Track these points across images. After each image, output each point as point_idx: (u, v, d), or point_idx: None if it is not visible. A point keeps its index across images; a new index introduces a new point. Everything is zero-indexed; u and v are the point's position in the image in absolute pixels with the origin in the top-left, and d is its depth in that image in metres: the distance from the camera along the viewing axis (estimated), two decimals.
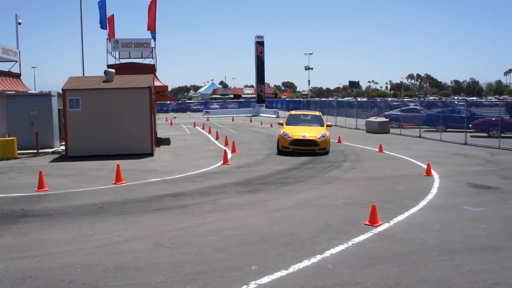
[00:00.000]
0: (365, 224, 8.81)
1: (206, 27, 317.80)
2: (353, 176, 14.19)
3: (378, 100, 47.41)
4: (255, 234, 8.24)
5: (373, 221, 8.79)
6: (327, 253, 7.22)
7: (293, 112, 23.61)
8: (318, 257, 7.06)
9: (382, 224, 8.79)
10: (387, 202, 10.71)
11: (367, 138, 26.51)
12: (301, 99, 64.97)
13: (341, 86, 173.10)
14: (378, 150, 19.99)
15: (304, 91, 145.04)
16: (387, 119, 30.98)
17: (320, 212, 9.90)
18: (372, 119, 31.35)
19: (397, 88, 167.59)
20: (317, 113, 23.30)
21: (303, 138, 19.10)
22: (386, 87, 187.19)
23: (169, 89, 30.12)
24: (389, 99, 64.68)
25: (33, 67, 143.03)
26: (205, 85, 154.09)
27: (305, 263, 6.82)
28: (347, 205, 10.52)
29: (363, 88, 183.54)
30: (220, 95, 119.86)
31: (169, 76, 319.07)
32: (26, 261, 7.10)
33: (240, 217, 9.55)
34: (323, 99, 70.96)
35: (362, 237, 8.03)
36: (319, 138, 19.11)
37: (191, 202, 10.96)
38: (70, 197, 11.71)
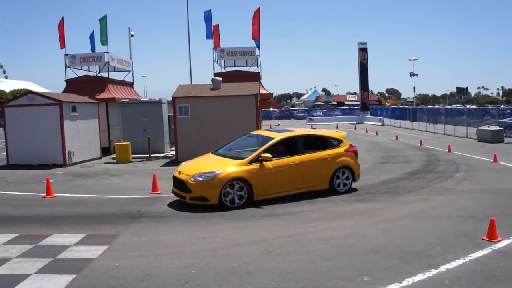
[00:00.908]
0: (483, 239, 8.31)
1: (308, 34, 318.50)
2: (466, 188, 13.51)
3: (490, 107, 44.93)
4: (365, 244, 8.08)
5: (491, 237, 8.28)
6: (442, 268, 6.90)
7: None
8: (433, 271, 6.77)
9: (501, 240, 8.26)
10: (506, 216, 10.06)
11: (479, 147, 25.16)
12: (407, 107, 63.12)
13: (448, 93, 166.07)
14: (492, 160, 18.88)
15: (408, 98, 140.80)
16: (501, 128, 29.25)
17: (433, 224, 9.51)
18: (484, 127, 29.71)
19: (510, 94, 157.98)
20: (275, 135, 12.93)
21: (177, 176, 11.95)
22: (498, 93, 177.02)
23: (273, 96, 30.51)
24: (501, 106, 61.07)
25: (143, 76, 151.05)
26: (307, 92, 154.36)
27: (420, 277, 6.57)
28: (462, 218, 10.02)
29: (472, 95, 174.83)
30: (323, 102, 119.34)
31: (272, 83, 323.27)
32: (144, 260, 7.47)
33: (349, 226, 9.41)
34: (430, 106, 68.43)
35: (480, 253, 7.59)
36: (193, 180, 11.30)
37: (298, 209, 10.97)
38: (182, 200, 12.12)
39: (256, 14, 33.45)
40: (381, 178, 15.36)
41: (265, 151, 11.82)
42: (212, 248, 8.02)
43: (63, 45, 28.98)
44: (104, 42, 29.51)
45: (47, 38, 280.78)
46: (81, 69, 28.93)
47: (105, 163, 20.82)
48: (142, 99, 27.56)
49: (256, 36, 33.14)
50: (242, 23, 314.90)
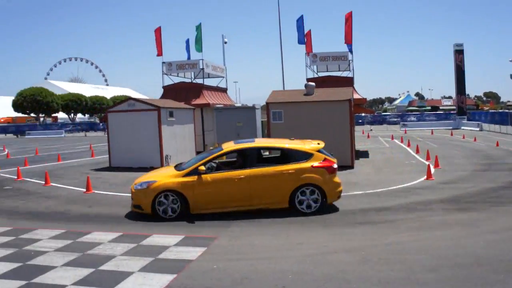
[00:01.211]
0: None
1: (401, 37, 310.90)
2: None
3: None
4: (468, 256, 7.63)
5: None
6: None
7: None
8: None
9: None
10: None
11: None
12: (507, 111, 59.66)
13: None
14: None
15: (509, 101, 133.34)
16: None
17: None
18: None
19: None
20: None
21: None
22: None
23: (366, 101, 29.91)
24: None
25: (235, 82, 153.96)
26: (400, 97, 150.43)
27: None
28: None
29: None
30: (416, 107, 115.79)
31: (363, 87, 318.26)
32: (241, 263, 7.53)
33: (451, 236, 8.95)
34: None
35: None
36: (135, 189, 11.59)
37: (396, 217, 10.62)
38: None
39: (348, 18, 33.00)
40: (483, 186, 14.54)
41: (204, 163, 11.30)
42: (309, 254, 7.93)
43: (160, 53, 30.14)
44: (199, 49, 30.38)
45: (145, 47, 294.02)
46: (177, 76, 29.91)
47: None
48: (236, 105, 28.03)
49: (348, 40, 32.68)
50: (334, 28, 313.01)
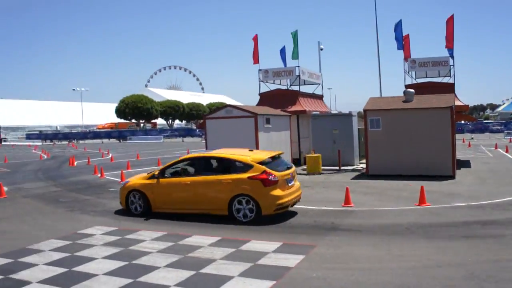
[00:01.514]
0: None
1: (506, 39, 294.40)
2: None
3: None
4: None
5: None
6: None
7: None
8: None
9: None
10: None
11: None
12: None
13: None
14: None
15: None
16: None
17: None
18: None
19: None
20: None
21: None
22: None
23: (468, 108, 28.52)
24: None
25: (329, 89, 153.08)
26: (504, 104, 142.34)
27: None
28: None
29: None
30: None
31: (463, 94, 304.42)
32: (341, 273, 7.44)
33: None
34: None
35: None
36: (120, 186, 14.10)
37: (504, 232, 9.99)
38: (376, 215, 11.92)
39: (450, 22, 31.73)
40: None
41: (162, 169, 12.84)
42: (411, 266, 7.69)
43: (256, 61, 30.50)
44: (295, 56, 30.46)
45: (240, 54, 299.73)
46: (273, 83, 30.16)
47: (297, 174, 21.28)
48: (332, 112, 27.79)
49: (449, 45, 31.44)
50: (434, 31, 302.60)
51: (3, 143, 77.58)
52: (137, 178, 13.34)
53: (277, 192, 11.38)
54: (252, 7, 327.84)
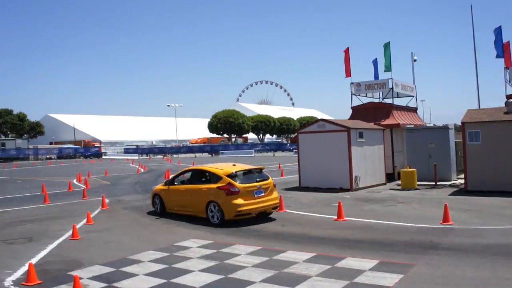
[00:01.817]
0: None
1: None
2: None
3: None
4: None
5: None
6: None
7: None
8: None
9: None
10: None
11: None
12: None
13: None
14: None
15: None
16: None
17: None
18: None
19: None
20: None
21: None
22: None
23: None
24: None
25: (422, 101, 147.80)
26: None
27: None
28: None
29: None
30: None
31: None
32: None
33: None
34: None
35: None
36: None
37: None
38: (477, 234, 11.32)
39: None
40: None
41: (172, 178, 16.10)
42: None
43: (348, 74, 30.18)
44: (387, 68, 29.83)
45: (331, 68, 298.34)
46: (365, 96, 29.70)
47: (390, 189, 20.80)
48: (427, 125, 26.89)
49: None
50: None
51: (103, 157, 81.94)
52: (160, 185, 16.56)
53: (238, 201, 13.42)
54: (342, 19, 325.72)
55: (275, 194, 14.47)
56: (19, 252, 11.05)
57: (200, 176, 15.03)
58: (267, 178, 14.43)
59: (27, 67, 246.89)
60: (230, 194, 13.44)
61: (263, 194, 13.88)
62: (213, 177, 14.24)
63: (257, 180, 14.05)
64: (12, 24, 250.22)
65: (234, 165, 14.84)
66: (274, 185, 14.64)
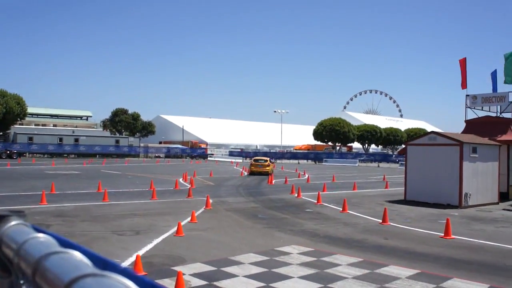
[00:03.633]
0: None
1: None
2: None
3: None
4: None
5: None
6: None
7: None
8: None
9: None
10: None
11: None
12: None
13: None
14: None
15: None
16: None
17: None
18: None
19: None
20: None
21: None
22: None
23: None
24: None
25: None
26: None
27: None
28: None
29: None
30: None
31: None
32: None
33: None
34: None
35: None
36: None
37: None
38: None
39: None
40: None
41: None
42: None
43: (464, 86, 28.75)
44: (508, 80, 28.03)
45: (443, 78, 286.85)
46: (481, 109, 28.13)
47: (503, 209, 19.49)
48: None
49: None
50: None
51: (208, 158, 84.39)
52: None
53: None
54: (460, 25, 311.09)
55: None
56: (127, 244, 11.57)
57: None
58: None
59: (144, 70, 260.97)
60: None
61: None
62: None
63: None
64: (130, 32, 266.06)
65: None
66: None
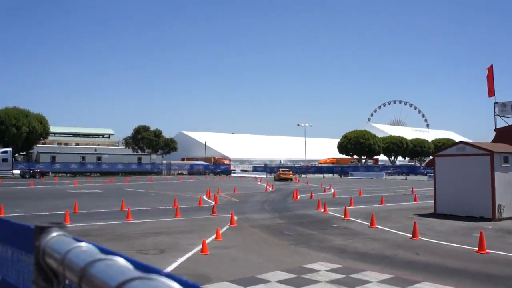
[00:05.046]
0: None
1: None
2: None
3: None
4: None
5: None
6: None
7: None
8: None
9: None
10: None
11: None
12: None
13: None
14: None
15: None
16: None
17: None
18: None
19: None
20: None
21: None
22: None
23: None
24: None
25: None
26: None
27: None
28: None
29: None
30: None
31: None
32: None
33: None
34: None
35: None
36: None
37: None
38: None
39: None
40: None
41: None
42: None
43: (492, 93, 28.09)
44: None
45: (470, 86, 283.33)
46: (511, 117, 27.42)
47: None
48: None
49: None
50: None
51: (232, 174, 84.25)
52: None
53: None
54: (486, 32, 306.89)
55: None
56: (152, 263, 11.06)
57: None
58: None
59: (165, 87, 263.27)
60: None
61: None
62: None
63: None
64: (151, 50, 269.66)
65: None
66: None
